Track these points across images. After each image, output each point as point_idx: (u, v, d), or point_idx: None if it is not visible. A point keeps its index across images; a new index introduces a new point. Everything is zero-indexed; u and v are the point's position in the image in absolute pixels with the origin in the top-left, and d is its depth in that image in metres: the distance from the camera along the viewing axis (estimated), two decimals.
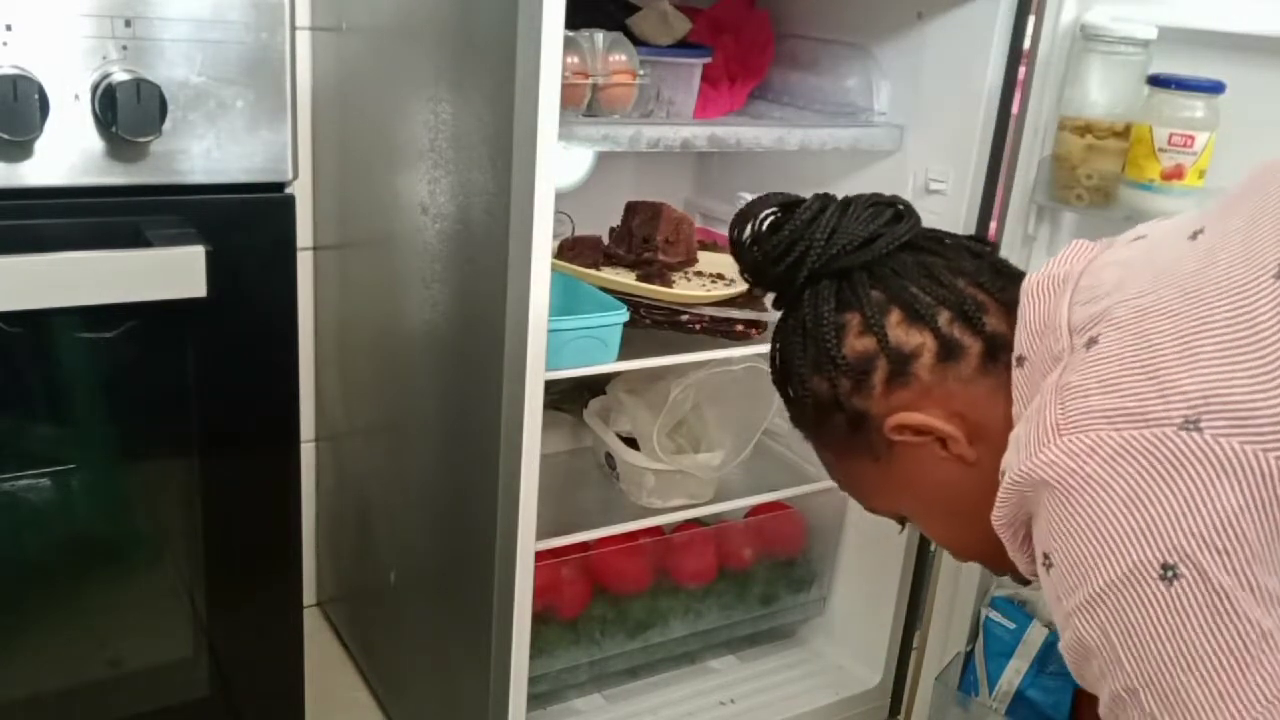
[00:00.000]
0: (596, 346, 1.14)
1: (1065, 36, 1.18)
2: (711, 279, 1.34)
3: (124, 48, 0.79)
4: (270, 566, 0.97)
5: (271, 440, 0.94)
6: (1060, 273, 0.72)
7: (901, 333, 0.75)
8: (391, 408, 1.32)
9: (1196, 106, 1.10)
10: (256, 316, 0.89)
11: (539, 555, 1.14)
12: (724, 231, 1.50)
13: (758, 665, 1.52)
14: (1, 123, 0.75)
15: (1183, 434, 0.58)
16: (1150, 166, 1.12)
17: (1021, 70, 1.21)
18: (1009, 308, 0.75)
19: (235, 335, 0.89)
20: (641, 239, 1.35)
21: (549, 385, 1.05)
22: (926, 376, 0.75)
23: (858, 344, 0.76)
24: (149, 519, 0.96)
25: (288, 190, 0.89)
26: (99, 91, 0.78)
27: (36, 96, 0.75)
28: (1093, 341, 0.65)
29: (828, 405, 0.79)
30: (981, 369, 0.75)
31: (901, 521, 0.87)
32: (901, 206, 0.81)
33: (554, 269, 1.02)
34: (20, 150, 0.77)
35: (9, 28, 0.75)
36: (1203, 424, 0.58)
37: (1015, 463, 0.65)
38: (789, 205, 0.82)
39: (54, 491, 0.91)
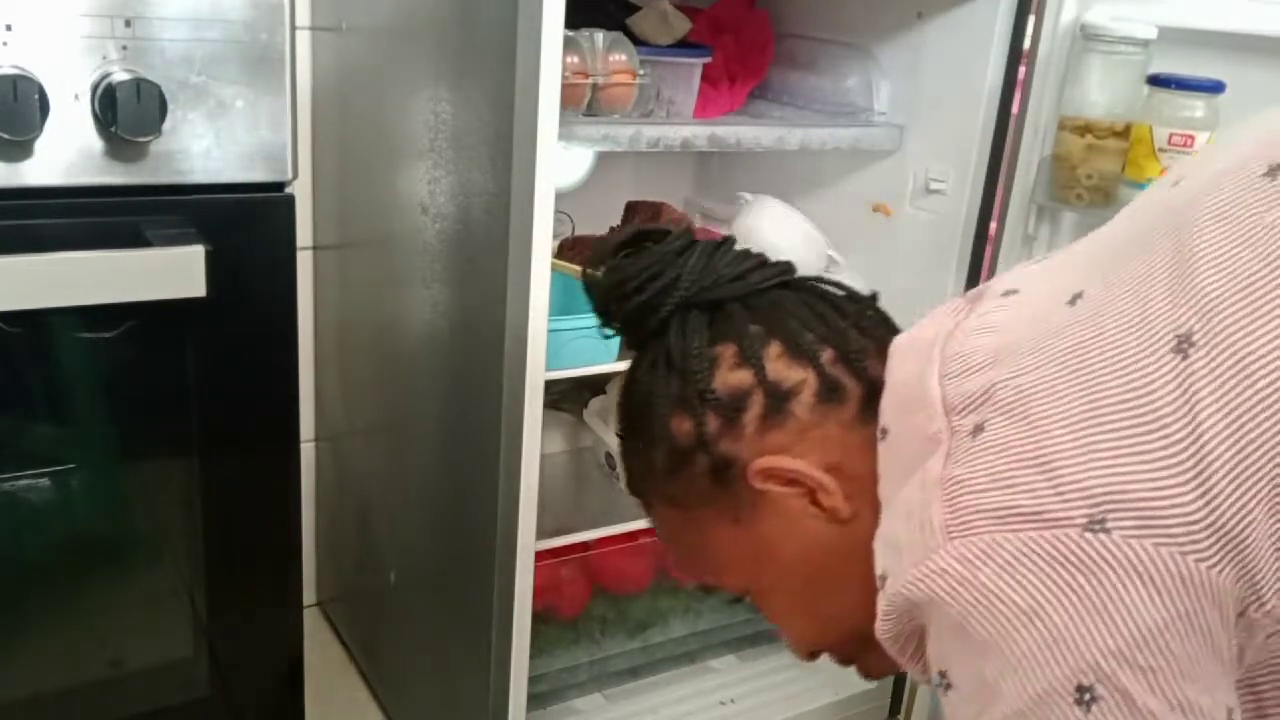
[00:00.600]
0: (596, 346, 1.14)
1: (1065, 36, 1.18)
2: None
3: (124, 48, 0.79)
4: (270, 566, 0.97)
5: (271, 440, 0.94)
6: (928, 335, 0.65)
7: (782, 366, 0.68)
8: (391, 408, 1.32)
9: (1196, 106, 1.10)
10: (256, 316, 0.89)
11: (539, 555, 1.14)
12: (724, 231, 1.51)
13: (758, 665, 1.52)
14: (1, 123, 0.75)
15: (1088, 536, 0.50)
16: (1150, 166, 1.12)
17: (1021, 70, 1.21)
18: (884, 360, 0.68)
19: (235, 335, 0.89)
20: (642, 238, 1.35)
21: (549, 385, 1.05)
22: (805, 417, 0.67)
23: (732, 377, 0.68)
24: (149, 519, 0.96)
25: (288, 190, 0.89)
26: (99, 91, 0.78)
27: (36, 96, 0.75)
28: (979, 429, 0.57)
29: (688, 450, 0.69)
30: (860, 416, 0.67)
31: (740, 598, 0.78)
32: (767, 260, 0.74)
33: (554, 269, 1.02)
34: (20, 150, 0.77)
35: (9, 28, 0.75)
36: (1109, 524, 0.50)
37: (897, 571, 0.58)
38: (652, 235, 0.74)
39: (54, 491, 0.91)
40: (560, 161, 0.98)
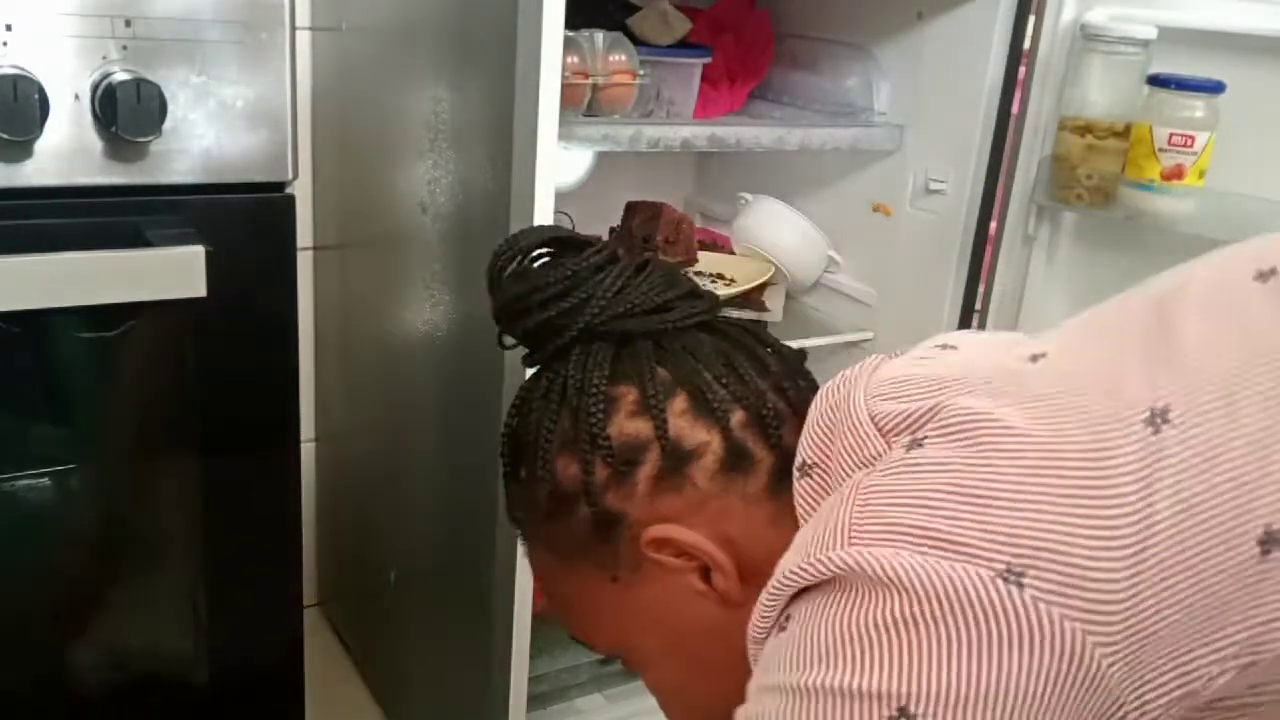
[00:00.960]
0: None
1: (1065, 36, 1.18)
2: (711, 279, 1.34)
3: (124, 48, 0.79)
4: (270, 566, 0.97)
5: (271, 440, 0.94)
6: (851, 374, 0.61)
7: (685, 424, 0.61)
8: (391, 408, 1.32)
9: (1196, 106, 1.10)
10: (256, 316, 0.89)
11: None
12: (724, 231, 1.51)
13: None
14: (1, 123, 0.75)
15: (999, 584, 0.46)
16: (1150, 166, 1.12)
17: (1021, 70, 1.21)
18: (803, 422, 0.61)
19: (235, 335, 0.89)
20: (641, 239, 1.35)
21: None
22: (704, 484, 0.61)
23: (629, 426, 0.61)
24: (149, 519, 0.96)
25: (288, 190, 0.89)
26: (99, 91, 0.78)
27: (36, 96, 0.75)
28: (915, 444, 0.53)
29: (570, 496, 0.63)
30: (768, 490, 0.61)
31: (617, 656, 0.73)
32: (698, 290, 0.67)
33: None
34: (20, 150, 0.77)
35: (9, 28, 0.75)
36: (1026, 579, 0.46)
37: (790, 559, 0.54)
38: (570, 244, 0.67)
39: (54, 491, 0.91)
40: (560, 161, 0.98)
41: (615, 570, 0.64)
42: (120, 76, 0.78)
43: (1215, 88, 1.09)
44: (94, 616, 0.94)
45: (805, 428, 0.60)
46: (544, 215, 0.98)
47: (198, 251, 0.81)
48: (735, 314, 1.26)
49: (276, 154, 0.87)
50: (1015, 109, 1.22)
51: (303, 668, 1.02)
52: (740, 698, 0.56)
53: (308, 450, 1.52)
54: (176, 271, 0.81)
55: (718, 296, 0.69)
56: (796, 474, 0.60)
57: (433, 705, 1.31)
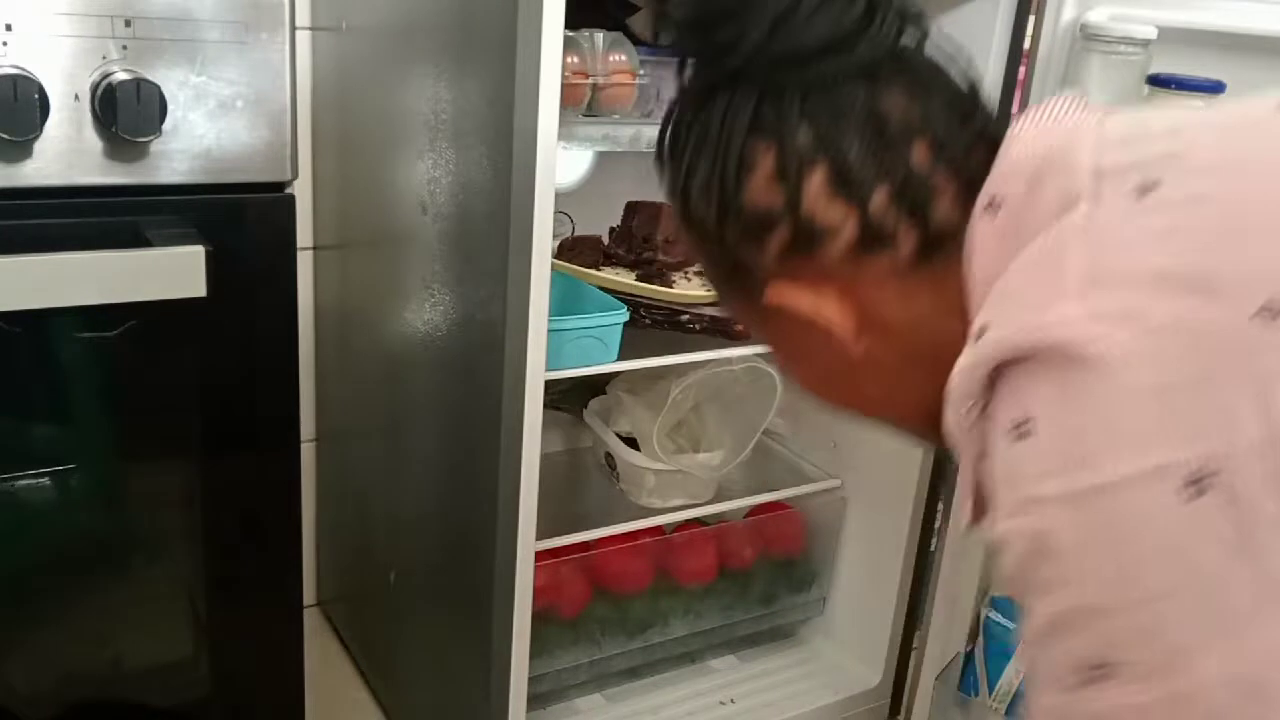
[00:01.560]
0: (597, 346, 1.14)
1: (1065, 36, 1.18)
2: None
3: (124, 48, 0.79)
4: (270, 566, 0.97)
5: (271, 440, 0.94)
6: (1071, 121, 0.57)
7: (821, 201, 0.58)
8: (391, 408, 1.32)
9: (1196, 106, 1.10)
10: (256, 316, 0.89)
11: (539, 555, 1.14)
12: None
13: (758, 665, 1.52)
14: (1, 123, 0.75)
15: (1256, 323, 0.44)
16: None
17: (1021, 70, 1.21)
18: (975, 184, 0.57)
19: (235, 335, 0.89)
20: (642, 239, 1.35)
21: (549, 385, 1.05)
22: (833, 261, 0.59)
23: (762, 194, 0.59)
24: (149, 519, 0.96)
25: (288, 190, 0.89)
26: (99, 91, 0.78)
27: (36, 96, 0.75)
28: (1147, 188, 0.49)
29: (705, 236, 0.63)
30: (908, 267, 0.59)
31: None
32: (887, 9, 0.60)
33: (554, 269, 1.02)
34: (20, 150, 0.77)
35: (9, 28, 0.75)
36: None
37: (1003, 319, 0.50)
38: None
39: (54, 491, 0.91)
40: (560, 161, 0.98)
41: (753, 303, 0.64)
42: (120, 76, 0.78)
43: (1215, 88, 1.09)
44: (94, 616, 0.94)
45: (998, 165, 0.57)
46: (544, 215, 0.98)
47: (198, 251, 0.81)
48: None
49: (276, 154, 0.87)
50: (1015, 109, 1.22)
51: (303, 668, 1.02)
52: (880, 402, 0.63)
53: (308, 450, 1.52)
54: (176, 271, 0.81)
55: (905, 26, 0.62)
56: (982, 210, 0.56)
57: (433, 705, 1.31)
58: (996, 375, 0.51)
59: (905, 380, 0.62)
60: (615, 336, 1.16)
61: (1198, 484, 0.44)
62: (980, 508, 0.55)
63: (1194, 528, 0.44)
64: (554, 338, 1.06)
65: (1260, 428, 0.43)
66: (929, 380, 0.57)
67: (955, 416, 0.54)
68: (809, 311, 0.61)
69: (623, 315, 1.15)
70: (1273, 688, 0.44)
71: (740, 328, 1.25)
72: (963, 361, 0.52)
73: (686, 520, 1.39)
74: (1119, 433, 0.46)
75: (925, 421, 0.60)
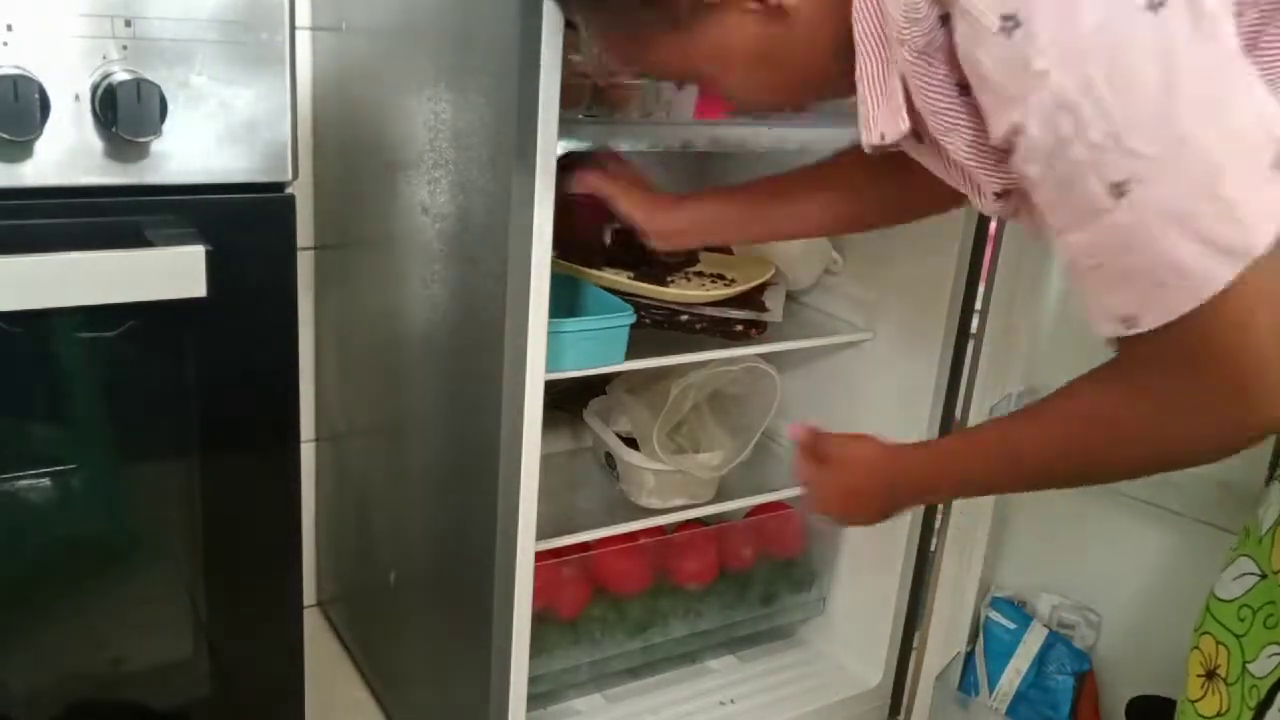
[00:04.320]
0: (598, 347, 1.14)
1: None
2: (711, 279, 1.34)
3: (124, 48, 0.79)
4: (270, 566, 0.97)
5: (271, 440, 0.94)
6: None
7: None
8: (391, 408, 1.32)
9: None
10: (256, 316, 0.89)
11: (539, 555, 1.14)
12: None
13: (758, 665, 1.52)
14: (1, 123, 0.75)
15: None
16: None
17: None
18: None
19: (235, 335, 0.89)
20: (642, 239, 1.35)
21: (549, 385, 1.05)
22: None
23: None
24: (149, 519, 0.96)
25: (288, 190, 0.89)
26: (99, 91, 0.78)
27: (36, 96, 0.75)
28: None
29: None
30: None
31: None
32: None
33: (554, 269, 1.02)
34: (20, 150, 0.77)
35: (9, 28, 0.75)
36: None
37: None
38: None
39: (54, 491, 0.91)
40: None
41: (674, 23, 0.72)
42: (120, 76, 0.78)
43: None
44: (94, 616, 0.94)
45: None
46: (544, 216, 0.98)
47: (198, 251, 0.81)
48: (737, 314, 1.28)
49: (276, 154, 0.87)
50: None
51: (303, 668, 1.02)
52: (797, 83, 0.75)
53: (308, 450, 1.52)
54: (176, 271, 0.81)
55: None
56: None
57: (433, 705, 1.31)
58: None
59: (822, 29, 0.71)
60: (622, 338, 1.16)
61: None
62: (916, 120, 0.70)
63: (1166, 33, 0.56)
64: (554, 338, 1.06)
65: None
66: (841, 21, 0.69)
67: (918, 65, 0.65)
68: None
69: (629, 317, 1.15)
70: (1254, 131, 0.57)
71: (739, 329, 1.25)
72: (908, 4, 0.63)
73: (686, 520, 1.39)
74: None
75: (842, 76, 0.72)
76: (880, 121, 0.72)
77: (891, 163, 0.80)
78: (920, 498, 0.87)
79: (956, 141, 0.68)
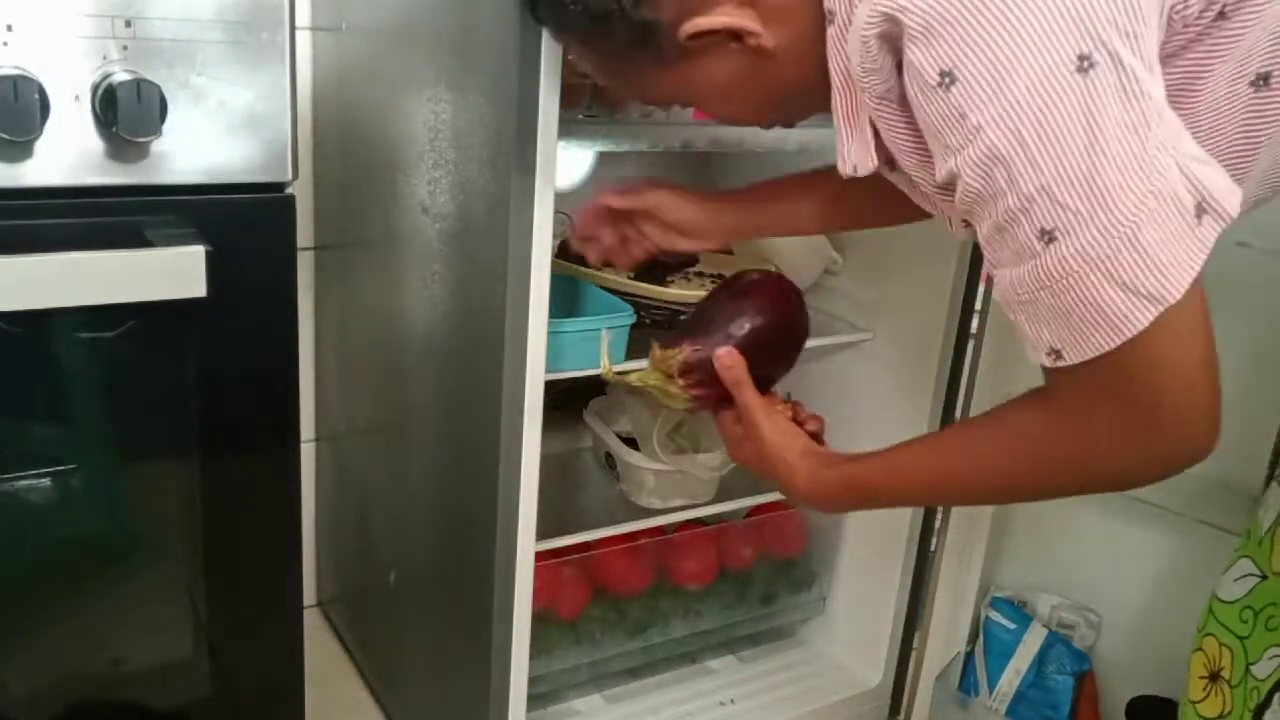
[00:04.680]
0: (597, 347, 1.14)
1: None
2: (712, 279, 1.34)
3: (124, 48, 0.79)
4: (270, 566, 0.97)
5: (271, 440, 0.94)
6: None
7: None
8: (392, 408, 1.32)
9: None
10: (256, 316, 0.89)
11: (539, 555, 1.14)
12: None
13: (758, 665, 1.52)
14: (2, 123, 0.75)
15: None
16: None
17: None
18: None
19: (235, 335, 0.89)
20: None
21: (549, 385, 1.06)
22: None
23: None
24: (149, 519, 0.96)
25: (288, 190, 0.89)
26: (99, 92, 0.78)
27: (37, 97, 0.75)
28: None
29: (607, 13, 0.74)
30: None
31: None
32: None
33: (554, 269, 1.02)
34: (20, 150, 0.77)
35: (9, 28, 0.75)
36: None
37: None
38: None
39: (54, 491, 0.91)
40: (560, 161, 0.98)
41: (661, 63, 0.77)
42: (120, 76, 0.78)
43: None
44: (94, 616, 0.94)
45: None
46: (544, 216, 0.98)
47: (198, 251, 0.81)
48: None
49: (276, 154, 0.87)
50: None
51: (303, 668, 1.02)
52: (775, 104, 0.79)
53: (308, 450, 1.52)
54: (176, 271, 0.81)
55: None
56: None
57: (433, 705, 1.31)
58: (890, 38, 0.64)
59: (803, 63, 0.74)
60: (622, 338, 1.16)
61: (1087, 60, 0.59)
62: (885, 155, 0.74)
63: (1093, 94, 0.59)
64: (554, 339, 1.06)
65: (1109, 6, 0.59)
66: (820, 56, 0.73)
67: (875, 92, 0.68)
68: (724, 24, 0.73)
69: (629, 317, 1.15)
70: (1176, 184, 0.60)
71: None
72: (859, 41, 0.66)
73: (686, 520, 1.39)
74: (1021, 44, 0.59)
75: (826, 100, 0.75)
76: (853, 155, 0.76)
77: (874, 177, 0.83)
78: (844, 505, 0.88)
79: (925, 176, 0.72)
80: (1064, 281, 0.62)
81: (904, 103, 0.67)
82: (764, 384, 0.94)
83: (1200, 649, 0.97)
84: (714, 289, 1.02)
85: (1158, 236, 0.60)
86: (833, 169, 0.81)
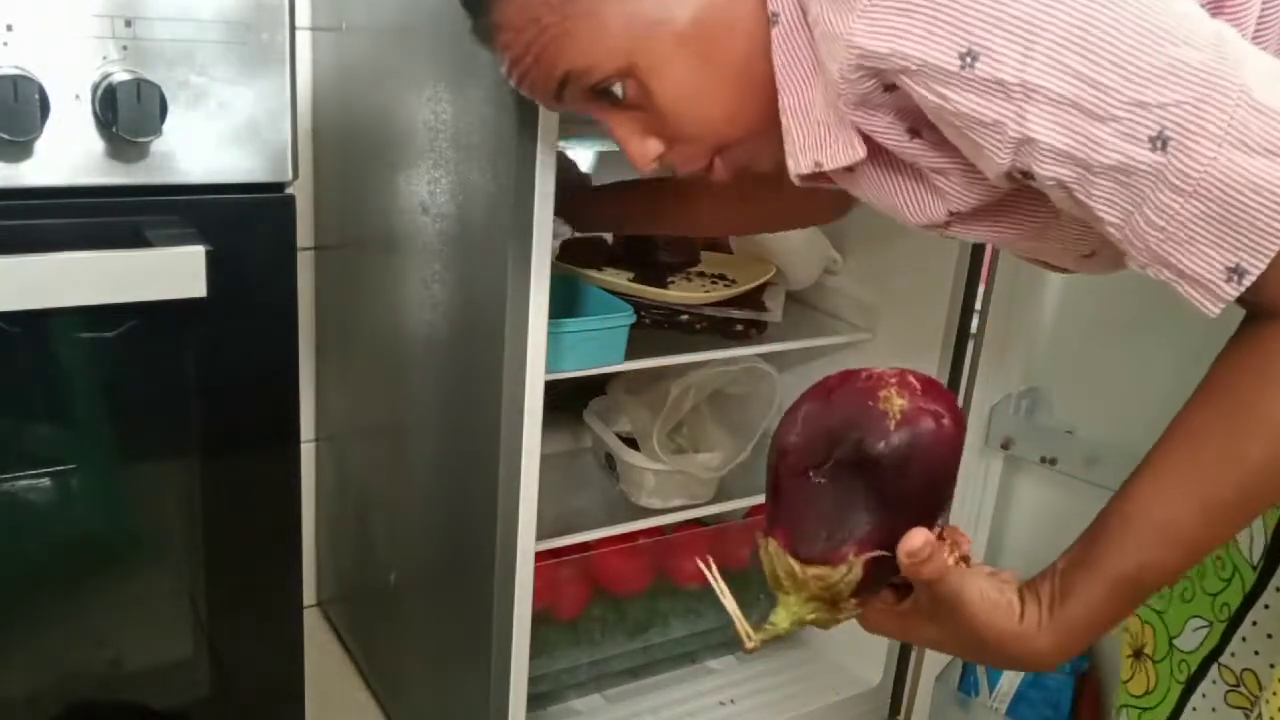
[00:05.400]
0: (598, 347, 1.14)
1: None
2: (712, 279, 1.34)
3: (124, 48, 0.79)
4: (270, 566, 0.97)
5: (271, 440, 0.94)
6: None
7: None
8: (392, 408, 1.32)
9: None
10: (256, 316, 0.89)
11: (539, 556, 1.14)
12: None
13: (758, 665, 1.52)
14: (1, 123, 0.75)
15: None
16: None
17: None
18: None
19: (235, 335, 0.89)
20: (642, 239, 1.35)
21: (549, 385, 1.05)
22: None
23: None
24: (149, 519, 0.96)
25: (288, 190, 0.89)
26: (99, 91, 0.78)
27: (36, 96, 0.75)
28: None
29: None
30: None
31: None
32: None
33: (554, 269, 1.02)
34: (20, 150, 0.77)
35: (9, 28, 0.75)
36: None
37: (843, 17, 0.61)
38: None
39: (54, 491, 0.91)
40: None
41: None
42: (120, 76, 0.78)
43: None
44: (94, 616, 0.94)
45: None
46: (544, 215, 0.98)
47: (198, 251, 0.81)
48: (737, 314, 1.28)
49: (276, 154, 0.87)
50: None
51: (303, 668, 1.02)
52: (746, 115, 0.73)
53: (308, 450, 1.52)
54: (176, 271, 0.81)
55: None
56: None
57: (433, 705, 1.31)
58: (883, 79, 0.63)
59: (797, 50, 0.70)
60: (622, 338, 1.16)
61: None
62: (873, 145, 0.69)
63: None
64: (555, 339, 1.06)
65: None
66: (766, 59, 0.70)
67: (866, 115, 0.67)
68: None
69: (629, 317, 1.15)
70: (1223, 31, 0.57)
71: (741, 327, 1.25)
72: (848, 61, 0.62)
73: (686, 520, 1.39)
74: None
75: (762, 121, 0.73)
76: (818, 150, 0.71)
77: (770, 178, 0.80)
78: (1104, 629, 0.65)
79: (956, 184, 0.69)
80: (1202, 176, 0.56)
81: (887, 110, 0.66)
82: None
83: (1125, 629, 0.97)
84: (840, 459, 0.70)
85: (1258, 82, 0.55)
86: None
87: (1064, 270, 0.81)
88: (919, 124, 0.67)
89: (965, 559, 0.68)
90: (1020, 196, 0.71)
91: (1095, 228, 0.62)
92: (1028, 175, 0.62)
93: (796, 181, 0.75)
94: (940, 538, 0.67)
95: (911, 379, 0.66)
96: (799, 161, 0.73)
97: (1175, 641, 0.91)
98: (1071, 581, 0.64)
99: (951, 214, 0.71)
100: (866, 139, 0.69)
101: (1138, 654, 0.95)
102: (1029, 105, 0.58)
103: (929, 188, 0.71)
